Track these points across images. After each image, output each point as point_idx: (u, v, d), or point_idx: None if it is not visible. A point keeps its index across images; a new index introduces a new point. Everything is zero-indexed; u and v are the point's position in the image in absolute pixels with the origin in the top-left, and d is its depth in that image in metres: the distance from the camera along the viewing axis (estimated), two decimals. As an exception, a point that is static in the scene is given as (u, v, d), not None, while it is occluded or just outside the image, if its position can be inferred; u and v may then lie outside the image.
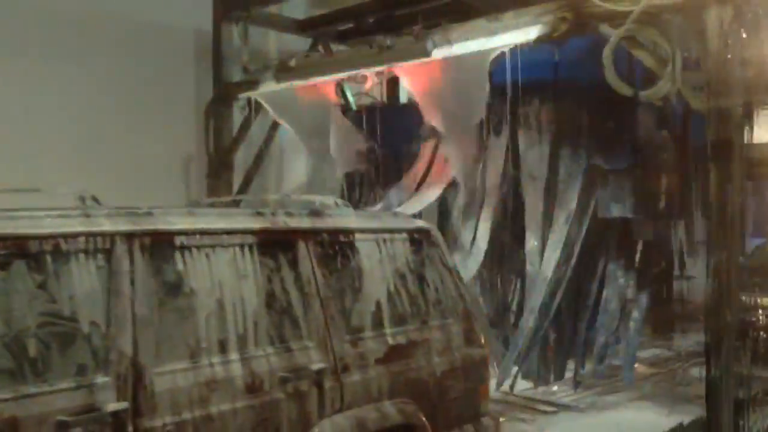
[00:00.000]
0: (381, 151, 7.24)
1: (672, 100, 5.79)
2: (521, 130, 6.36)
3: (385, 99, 7.93)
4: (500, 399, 6.16)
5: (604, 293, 6.34)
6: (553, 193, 6.20)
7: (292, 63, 6.89)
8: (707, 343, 4.60)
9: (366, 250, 3.54)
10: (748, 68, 4.70)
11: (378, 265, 3.55)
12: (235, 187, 7.34)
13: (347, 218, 3.58)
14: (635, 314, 6.33)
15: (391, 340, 3.50)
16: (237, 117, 7.34)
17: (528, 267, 6.26)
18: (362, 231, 3.55)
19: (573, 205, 6.07)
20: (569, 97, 6.13)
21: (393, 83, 7.95)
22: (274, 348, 3.06)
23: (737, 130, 4.75)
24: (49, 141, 6.43)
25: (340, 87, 6.95)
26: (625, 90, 4.97)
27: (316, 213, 3.43)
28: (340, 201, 3.77)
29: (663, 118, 6.38)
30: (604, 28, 4.91)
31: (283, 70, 6.91)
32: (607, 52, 4.83)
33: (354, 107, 7.15)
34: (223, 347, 2.89)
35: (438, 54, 5.75)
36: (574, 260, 6.09)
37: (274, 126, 7.28)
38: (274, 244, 3.17)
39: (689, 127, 6.42)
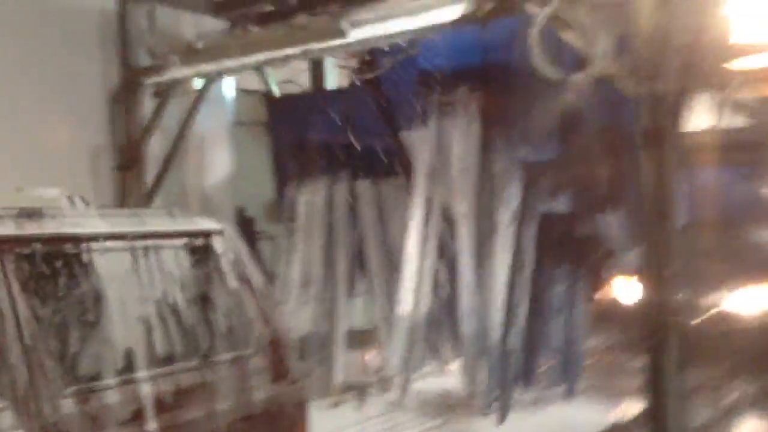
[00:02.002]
0: (314, 144, 6.84)
1: (604, 85, 5.56)
2: (449, 120, 6.07)
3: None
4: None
5: (549, 294, 6.09)
6: (489, 189, 5.92)
7: (199, 45, 6.44)
8: (645, 335, 4.39)
9: (111, 265, 2.75)
10: (681, 52, 4.47)
11: (131, 286, 2.78)
12: (149, 179, 6.82)
13: (82, 221, 2.80)
14: (577, 315, 6.11)
15: (147, 389, 2.69)
16: (149, 104, 6.81)
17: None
18: (105, 238, 2.76)
19: (515, 202, 5.78)
20: (498, 83, 5.84)
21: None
22: None
23: (670, 117, 4.54)
24: None
25: (262, 73, 6.53)
26: (553, 74, 4.66)
27: (27, 215, 2.65)
28: (77, 196, 3.07)
29: (595, 104, 6.12)
30: (531, 7, 4.59)
31: (190, 53, 6.44)
32: (533, 33, 4.51)
33: (277, 94, 6.73)
34: None
35: (356, 35, 5.36)
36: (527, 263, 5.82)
37: (192, 114, 6.77)
38: None
39: (623, 114, 6.18)
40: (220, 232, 3.18)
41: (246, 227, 7.52)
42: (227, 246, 3.14)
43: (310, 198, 6.74)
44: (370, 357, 7.07)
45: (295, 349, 6.43)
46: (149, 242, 2.89)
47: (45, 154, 6.32)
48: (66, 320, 2.58)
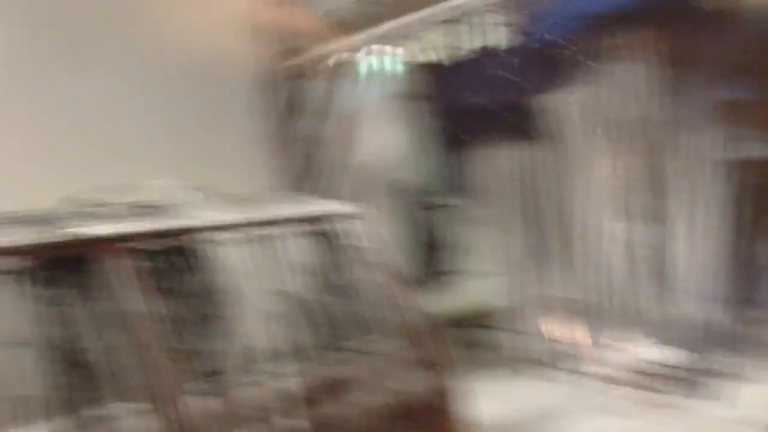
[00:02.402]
0: (474, 110, 6.42)
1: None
2: (626, 67, 5.53)
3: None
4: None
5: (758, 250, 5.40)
6: (683, 139, 5.33)
7: (338, 18, 6.24)
8: None
9: (231, 256, 2.69)
10: None
11: (254, 277, 2.70)
12: (300, 163, 6.65)
13: (198, 212, 2.73)
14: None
15: (279, 385, 2.57)
16: (295, 86, 6.65)
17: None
18: (223, 228, 2.68)
19: (717, 153, 5.15)
20: (680, 18, 5.26)
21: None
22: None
23: None
24: (125, 136, 5.96)
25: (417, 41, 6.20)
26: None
27: (143, 209, 2.64)
28: (194, 186, 2.91)
29: None
30: None
31: (330, 29, 6.33)
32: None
33: (436, 61, 6.39)
34: None
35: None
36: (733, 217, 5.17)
37: (342, 91, 6.52)
38: (61, 266, 2.37)
39: None
40: (352, 215, 3.01)
41: (417, 200, 7.23)
42: (361, 229, 2.98)
43: (487, 165, 6.39)
44: (566, 327, 6.57)
45: (489, 321, 6.14)
46: (273, 230, 2.75)
47: (206, 141, 6.37)
48: (189, 317, 2.52)
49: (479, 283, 6.65)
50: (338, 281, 2.90)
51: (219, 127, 6.51)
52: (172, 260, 2.59)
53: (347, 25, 6.18)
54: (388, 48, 6.68)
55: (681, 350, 5.44)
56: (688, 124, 5.24)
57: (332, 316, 2.83)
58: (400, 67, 6.88)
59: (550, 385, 5.86)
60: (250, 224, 2.74)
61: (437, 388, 2.95)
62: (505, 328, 6.47)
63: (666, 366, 5.52)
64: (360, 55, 6.42)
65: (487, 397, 5.68)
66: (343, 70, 6.40)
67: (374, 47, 6.47)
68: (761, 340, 5.49)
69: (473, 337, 7.47)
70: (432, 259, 7.35)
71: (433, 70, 6.78)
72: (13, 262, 2.31)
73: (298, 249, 2.85)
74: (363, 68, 6.54)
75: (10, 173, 5.44)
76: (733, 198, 5.24)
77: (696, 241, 5.26)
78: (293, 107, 6.55)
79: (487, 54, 6.66)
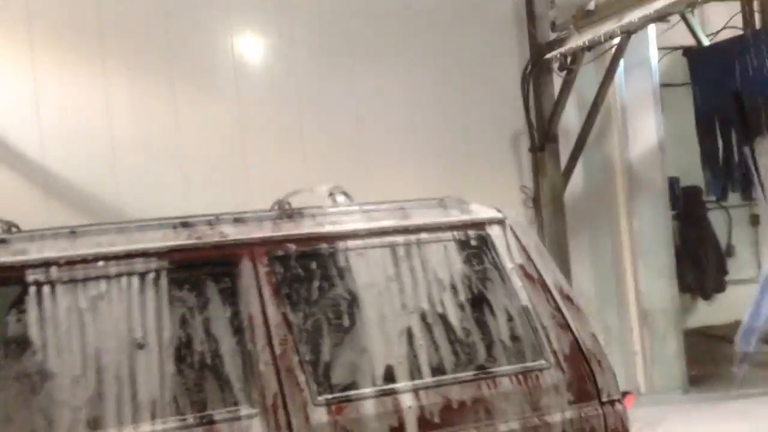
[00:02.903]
0: (747, 95, 5.99)
1: None
2: None
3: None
4: None
5: None
6: None
7: (591, 6, 5.85)
8: None
9: (370, 264, 2.52)
10: None
11: (392, 287, 2.50)
12: (564, 158, 6.19)
13: (341, 218, 2.59)
14: None
15: (409, 402, 2.38)
16: (558, 80, 6.25)
17: None
18: (363, 236, 2.54)
19: None
20: None
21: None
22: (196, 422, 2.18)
23: None
24: (376, 136, 5.86)
25: (684, 19, 5.83)
26: None
27: (287, 215, 2.55)
28: (340, 192, 2.73)
29: None
30: None
31: (582, 18, 5.88)
32: None
33: (706, 42, 6.02)
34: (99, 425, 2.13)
35: None
36: None
37: (607, 82, 6.12)
38: (200, 268, 2.37)
39: None
40: (499, 221, 2.73)
41: (689, 199, 6.79)
42: (509, 237, 2.70)
43: (763, 159, 5.89)
44: None
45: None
46: (413, 238, 2.61)
47: (467, 133, 6.09)
48: (320, 325, 2.42)
49: (748, 290, 6.17)
50: (483, 292, 2.60)
51: (482, 124, 6.13)
52: (308, 267, 2.45)
53: (599, 13, 5.79)
54: (649, 33, 6.32)
55: None
56: None
57: (472, 331, 2.51)
58: (662, 53, 6.52)
59: None
60: (389, 232, 2.56)
61: (601, 420, 2.54)
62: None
63: None
64: (621, 42, 6.02)
65: (740, 417, 5.23)
66: (612, 59, 5.98)
67: (629, 34, 6.07)
68: None
69: (728, 351, 6.95)
70: (711, 264, 6.88)
71: (698, 54, 6.41)
72: (150, 264, 2.32)
73: (441, 257, 2.59)
74: (633, 56, 6.17)
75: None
76: None
77: None
78: (559, 101, 6.11)
79: (753, 35, 6.28)
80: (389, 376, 2.41)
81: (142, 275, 2.31)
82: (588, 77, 6.21)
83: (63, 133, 5.13)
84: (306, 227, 2.54)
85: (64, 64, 5.21)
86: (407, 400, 2.39)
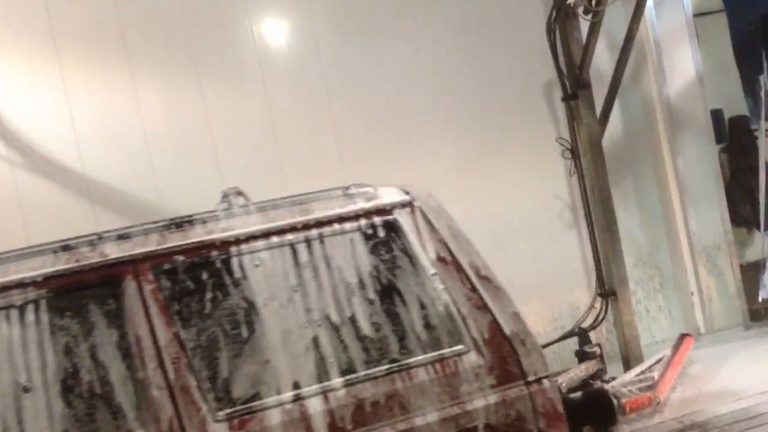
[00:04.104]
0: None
1: None
2: None
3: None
4: None
5: None
6: None
7: None
8: None
9: (267, 267, 2.38)
10: None
11: (293, 287, 2.38)
12: (599, 104, 6.02)
13: (234, 222, 2.44)
14: None
15: (318, 408, 2.27)
16: (585, 25, 6.05)
17: None
18: (258, 237, 2.39)
19: None
20: None
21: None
22: None
23: None
24: (408, 110, 5.82)
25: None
26: None
27: (176, 224, 2.42)
28: (234, 192, 2.59)
29: None
30: None
31: None
32: None
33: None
34: None
35: None
36: None
37: (636, 19, 5.89)
38: (81, 293, 2.24)
39: None
40: (407, 205, 2.60)
41: (734, 128, 6.58)
42: (418, 221, 2.57)
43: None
44: None
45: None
46: (314, 233, 2.48)
47: (499, 92, 6.00)
48: (216, 338, 2.30)
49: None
50: (394, 281, 2.48)
51: (513, 79, 6.00)
52: (199, 278, 2.33)
53: None
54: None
55: None
56: None
57: (384, 323, 2.40)
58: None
59: None
60: (286, 230, 2.43)
61: (527, 403, 2.43)
62: None
63: None
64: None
65: None
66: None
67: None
68: None
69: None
70: (765, 193, 6.64)
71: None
72: (28, 294, 2.21)
73: (346, 250, 2.47)
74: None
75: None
76: None
77: None
78: (588, 46, 5.91)
79: None
80: (295, 383, 2.33)
81: (21, 308, 2.23)
82: (617, 16, 6.00)
83: (98, 138, 5.22)
84: (195, 236, 2.44)
85: (91, 70, 5.27)
86: (316, 406, 2.31)
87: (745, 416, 4.43)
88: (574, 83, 6.08)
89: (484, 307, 2.55)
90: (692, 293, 6.13)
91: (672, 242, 6.19)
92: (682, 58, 6.12)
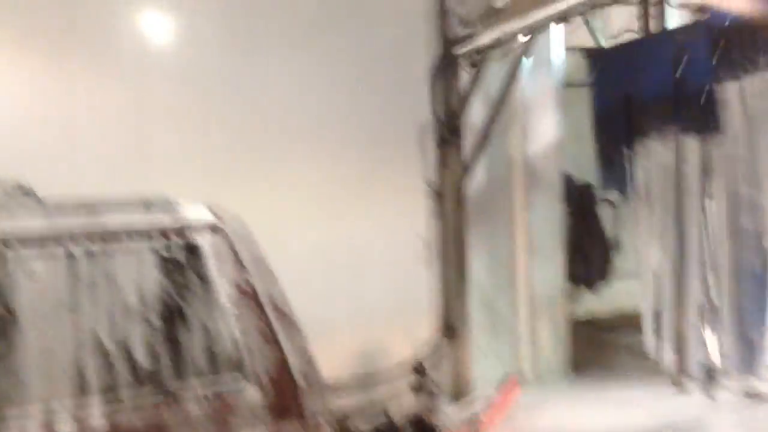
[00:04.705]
0: (636, 97, 6.34)
1: None
2: None
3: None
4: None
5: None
6: None
7: (499, 3, 6.04)
8: None
9: (38, 275, 2.20)
10: None
11: (60, 305, 2.20)
12: (467, 151, 6.40)
13: (10, 222, 2.21)
14: None
15: (66, 428, 2.12)
16: (467, 76, 6.41)
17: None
18: (34, 241, 2.16)
19: None
20: None
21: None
22: None
23: None
24: (283, 127, 5.88)
25: (586, 23, 6.08)
26: None
27: None
28: (16, 184, 2.43)
29: None
30: None
31: (491, 15, 6.05)
32: None
33: (604, 44, 6.30)
34: None
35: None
36: None
37: (512, 79, 6.33)
38: None
39: None
40: (212, 227, 2.47)
41: (581, 194, 7.12)
42: (221, 245, 2.45)
43: (647, 160, 6.26)
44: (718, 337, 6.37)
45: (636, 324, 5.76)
46: (99, 244, 2.26)
47: (374, 134, 6.17)
48: None
49: (631, 284, 6.57)
50: (182, 306, 2.36)
51: (390, 117, 6.23)
52: None
53: (505, 12, 5.97)
54: (554, 33, 6.53)
55: None
56: None
57: (165, 351, 2.29)
58: (566, 54, 6.75)
59: (678, 398, 5.83)
60: (77, 237, 2.20)
61: None
62: (652, 334, 6.41)
63: None
64: (527, 41, 6.22)
65: (619, 404, 5.69)
66: (517, 58, 6.17)
67: (534, 34, 6.26)
68: None
69: (619, 341, 7.43)
70: (598, 257, 7.27)
71: (597, 56, 6.69)
72: None
73: (133, 266, 2.31)
74: (538, 55, 6.38)
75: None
76: None
77: None
78: (466, 96, 6.28)
79: (665, 36, 6.51)
80: (52, 412, 2.12)
81: None
82: (496, 74, 6.38)
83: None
84: None
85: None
86: (63, 429, 2.12)
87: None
88: (448, 130, 6.41)
89: (274, 343, 2.46)
90: (523, 340, 6.59)
91: (513, 290, 6.63)
92: (545, 122, 6.61)
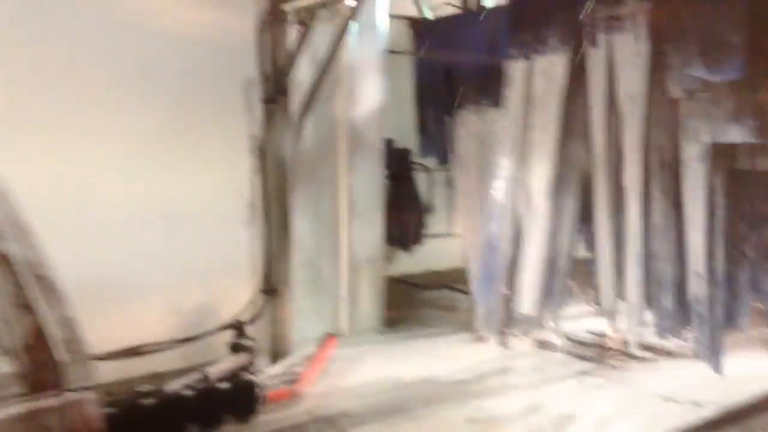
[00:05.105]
0: (455, 70, 6.68)
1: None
2: (616, 38, 5.87)
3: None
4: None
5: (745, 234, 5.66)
6: (666, 119, 5.52)
7: None
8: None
9: None
10: None
11: None
12: (294, 112, 6.40)
13: None
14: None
15: None
16: (295, 34, 6.36)
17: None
18: None
19: (706, 136, 5.37)
20: None
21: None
22: None
23: None
24: (99, 76, 5.47)
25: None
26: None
27: None
28: None
29: None
30: None
31: None
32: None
33: (430, 17, 6.52)
34: None
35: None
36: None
37: (339, 42, 6.39)
38: None
39: None
40: None
41: (400, 159, 7.32)
42: None
43: (463, 130, 6.64)
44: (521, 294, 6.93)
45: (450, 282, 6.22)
46: None
47: (197, 86, 5.96)
48: None
49: (442, 244, 7.00)
50: None
51: (215, 71, 6.04)
52: None
53: None
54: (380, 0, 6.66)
55: (636, 325, 5.94)
56: (675, 103, 5.70)
57: None
58: (390, 21, 6.91)
59: (493, 348, 6.43)
60: None
61: (63, 412, 2.29)
62: (464, 291, 6.90)
63: (612, 338, 6.20)
64: (355, 6, 6.32)
65: (426, 355, 6.19)
66: (345, 20, 6.25)
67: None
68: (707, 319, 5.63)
69: (430, 297, 7.87)
70: (414, 219, 7.55)
71: (421, 26, 6.93)
72: None
73: None
74: (366, 21, 6.47)
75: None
76: (714, 182, 5.53)
77: (680, 223, 5.69)
78: (294, 55, 6.24)
79: (480, 14, 6.88)
80: None
81: None
82: (324, 36, 6.38)
83: None
84: None
85: None
86: None
87: (369, 411, 5.09)
88: (275, 88, 6.34)
89: (30, 310, 2.27)
90: (343, 299, 6.79)
91: (334, 250, 6.78)
92: (369, 87, 6.75)
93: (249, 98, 6.24)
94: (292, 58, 6.38)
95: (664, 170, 5.85)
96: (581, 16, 5.91)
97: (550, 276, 6.30)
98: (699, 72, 5.66)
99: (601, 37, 5.96)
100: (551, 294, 6.40)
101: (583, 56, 6.05)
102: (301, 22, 6.34)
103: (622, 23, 5.80)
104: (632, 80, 5.87)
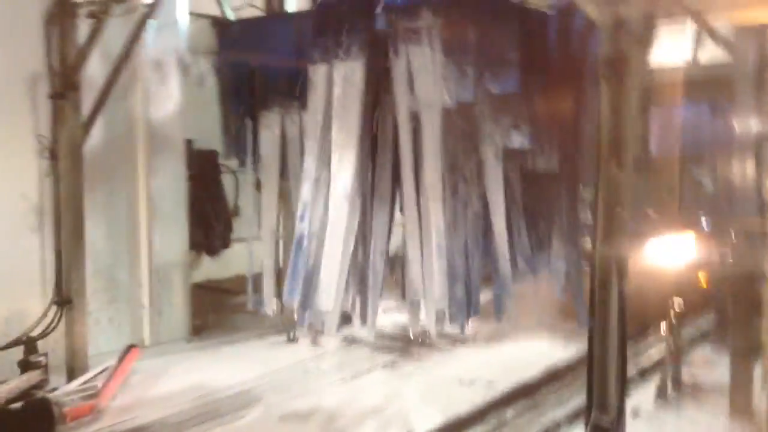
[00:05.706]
0: (260, 72, 6.63)
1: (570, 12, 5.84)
2: (413, 49, 6.28)
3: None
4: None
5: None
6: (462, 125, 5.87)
7: None
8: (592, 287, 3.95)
9: None
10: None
11: None
12: (86, 110, 6.04)
13: None
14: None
15: None
16: (85, 27, 6.00)
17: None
18: None
19: (498, 139, 5.88)
20: (463, 9, 5.78)
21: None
22: None
23: (633, 45, 3.95)
24: None
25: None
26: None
27: None
28: None
29: (560, 32, 6.31)
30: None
31: None
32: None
33: (233, 19, 6.43)
34: None
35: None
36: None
37: (135, 38, 6.13)
38: None
39: (589, 45, 6.14)
40: None
41: (204, 161, 7.06)
42: None
43: (269, 132, 6.63)
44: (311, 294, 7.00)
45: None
46: None
47: None
48: None
49: (255, 247, 6.90)
50: None
51: (9, 63, 5.55)
52: None
53: None
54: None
55: (424, 317, 6.28)
56: (468, 111, 6.15)
57: None
58: (191, 20, 6.73)
59: (304, 348, 6.52)
60: None
61: None
62: (257, 294, 6.84)
63: (405, 330, 6.51)
64: (153, 2, 6.13)
65: (235, 360, 6.15)
66: (142, 16, 6.02)
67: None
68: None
69: (236, 302, 7.70)
70: (219, 223, 7.29)
71: (224, 26, 6.77)
72: None
73: None
74: (164, 18, 6.27)
75: None
76: (507, 182, 6.11)
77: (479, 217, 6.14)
78: (85, 49, 5.90)
79: (281, 15, 6.83)
80: None
81: None
82: (118, 31, 6.06)
83: None
84: None
85: None
86: None
87: (177, 421, 4.92)
88: (64, 84, 5.90)
89: None
90: (144, 307, 6.48)
91: (132, 257, 6.45)
92: (168, 86, 6.51)
93: (35, 95, 5.78)
94: (83, 53, 5.99)
95: (458, 171, 6.26)
96: (380, 26, 6.13)
97: (359, 274, 6.45)
98: (485, 84, 6.17)
99: (402, 47, 6.25)
100: (360, 291, 6.54)
101: (387, 64, 6.27)
102: (93, 16, 5.98)
103: (420, 35, 6.11)
104: (428, 88, 6.21)
